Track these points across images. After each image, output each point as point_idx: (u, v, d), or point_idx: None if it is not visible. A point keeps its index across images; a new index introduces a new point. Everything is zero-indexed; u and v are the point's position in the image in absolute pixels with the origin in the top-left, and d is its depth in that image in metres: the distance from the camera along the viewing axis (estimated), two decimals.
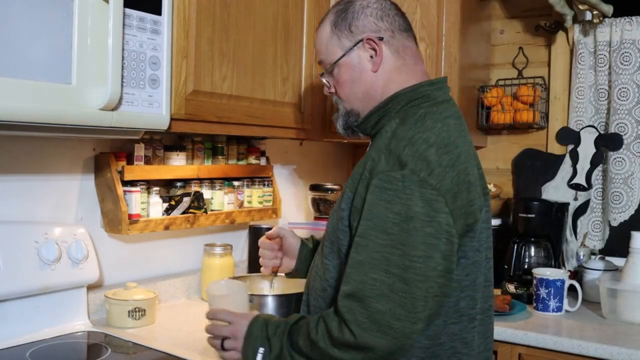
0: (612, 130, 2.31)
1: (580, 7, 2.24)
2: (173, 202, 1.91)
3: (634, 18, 2.26)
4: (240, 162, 2.21)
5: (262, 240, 1.62)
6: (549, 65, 2.48)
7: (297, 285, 1.69)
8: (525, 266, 2.22)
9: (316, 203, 2.52)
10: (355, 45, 1.34)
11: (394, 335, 1.13)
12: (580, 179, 2.39)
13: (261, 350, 1.24)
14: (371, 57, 1.34)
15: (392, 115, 1.31)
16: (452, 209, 1.17)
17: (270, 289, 1.74)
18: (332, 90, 1.41)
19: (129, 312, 1.72)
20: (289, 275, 1.66)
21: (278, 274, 1.65)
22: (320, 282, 1.34)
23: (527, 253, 2.24)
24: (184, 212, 1.94)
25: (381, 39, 1.34)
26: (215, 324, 1.34)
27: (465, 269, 1.23)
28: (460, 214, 1.18)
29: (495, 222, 2.35)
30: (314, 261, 1.42)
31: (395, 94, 1.32)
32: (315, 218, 2.53)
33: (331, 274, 1.31)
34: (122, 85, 1.36)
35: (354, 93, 1.37)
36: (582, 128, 2.39)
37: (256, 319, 1.30)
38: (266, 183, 2.27)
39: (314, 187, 2.53)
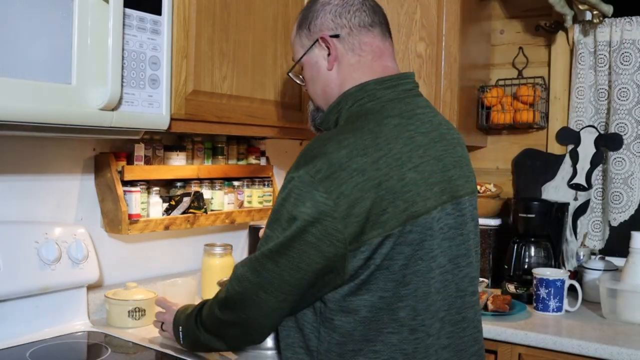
0: (612, 130, 2.31)
1: (580, 7, 2.24)
2: (173, 202, 1.91)
3: (634, 18, 2.26)
4: (240, 162, 2.21)
5: None
6: (549, 65, 2.48)
7: None
8: (525, 266, 2.22)
9: None
10: (313, 44, 1.35)
11: (259, 302, 1.21)
12: (580, 179, 2.39)
13: (181, 329, 1.42)
14: (328, 55, 1.34)
15: (343, 114, 1.31)
16: (346, 215, 1.13)
17: None
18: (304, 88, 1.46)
19: (129, 312, 1.72)
20: None
21: None
22: None
23: (527, 253, 2.24)
24: (184, 212, 1.94)
25: (337, 36, 1.33)
26: (158, 310, 1.60)
27: (394, 277, 1.18)
28: (356, 221, 1.14)
29: (495, 222, 2.35)
30: None
31: (345, 92, 1.32)
32: None
33: None
34: (122, 85, 1.36)
35: (314, 91, 1.40)
36: (582, 128, 2.39)
37: (182, 307, 1.49)
38: (266, 183, 2.27)
39: None
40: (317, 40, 1.34)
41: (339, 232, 1.14)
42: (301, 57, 1.39)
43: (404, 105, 1.28)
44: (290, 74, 1.48)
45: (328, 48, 1.33)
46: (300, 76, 1.45)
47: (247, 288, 1.22)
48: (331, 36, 1.33)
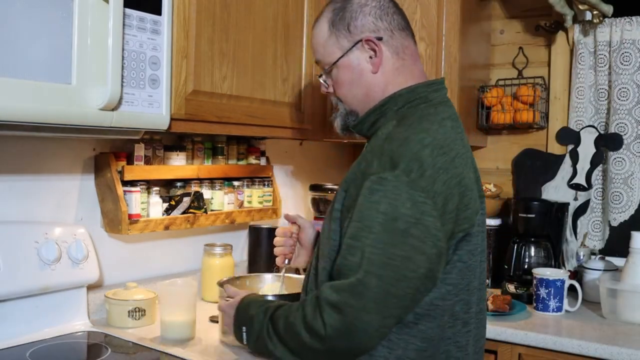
0: (612, 130, 2.31)
1: (580, 7, 2.24)
2: (173, 202, 1.91)
3: (634, 18, 2.26)
4: (240, 162, 2.21)
5: (279, 229, 1.61)
6: (549, 65, 2.48)
7: (299, 286, 1.69)
8: (525, 266, 2.22)
9: (316, 203, 2.52)
10: (354, 45, 1.31)
11: (361, 327, 1.13)
12: (580, 179, 2.39)
13: (244, 329, 1.31)
14: (370, 57, 1.31)
15: (389, 116, 1.29)
16: (442, 212, 1.15)
17: (282, 283, 1.72)
18: (331, 90, 1.39)
19: (129, 312, 1.72)
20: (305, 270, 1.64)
21: (291, 266, 1.63)
22: (312, 285, 1.33)
23: (527, 253, 2.24)
24: (184, 212, 1.94)
25: (380, 39, 1.31)
26: (225, 298, 1.48)
27: (460, 272, 1.22)
28: (450, 218, 1.17)
29: (495, 222, 2.35)
30: (311, 262, 1.40)
31: (392, 95, 1.30)
32: (315, 218, 2.53)
33: (321, 278, 1.28)
34: (122, 85, 1.36)
35: (353, 94, 1.35)
36: (582, 128, 2.39)
37: (241, 302, 1.36)
38: (266, 183, 2.27)
39: (314, 187, 2.53)
40: (360, 41, 1.31)
41: (439, 231, 1.15)
42: (339, 59, 1.33)
43: (449, 108, 1.31)
44: (320, 77, 1.40)
45: (373, 50, 1.31)
46: (326, 78, 1.39)
47: (349, 314, 1.13)
48: (378, 38, 1.31)
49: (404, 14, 1.37)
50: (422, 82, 1.33)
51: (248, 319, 1.31)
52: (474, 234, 1.23)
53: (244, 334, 1.32)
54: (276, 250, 1.59)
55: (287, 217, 1.61)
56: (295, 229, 1.59)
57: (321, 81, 1.40)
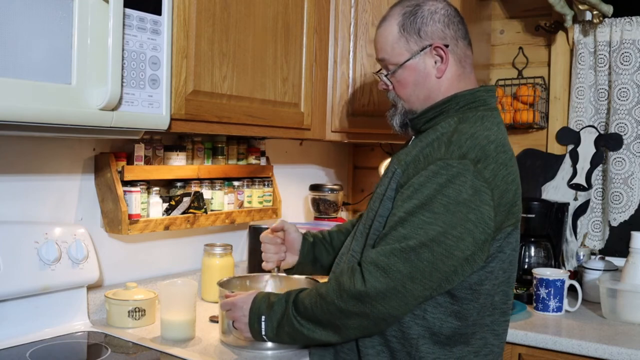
0: (612, 130, 2.31)
1: (580, 7, 2.25)
2: (173, 202, 1.91)
3: (634, 18, 2.26)
4: (240, 162, 2.21)
5: (265, 235, 1.64)
6: (549, 65, 2.48)
7: (295, 284, 1.70)
8: (525, 266, 2.22)
9: (316, 203, 2.52)
10: (422, 50, 1.39)
11: (403, 292, 1.21)
12: (580, 179, 2.39)
13: (263, 318, 1.35)
14: (436, 63, 1.39)
15: (449, 114, 1.37)
16: (497, 204, 1.24)
17: (274, 285, 1.74)
18: (391, 88, 1.46)
19: (129, 312, 1.72)
20: (290, 271, 1.66)
21: (279, 271, 1.65)
22: (347, 265, 1.38)
23: (527, 253, 2.24)
24: (184, 212, 1.94)
25: (447, 46, 1.39)
26: (226, 307, 1.47)
27: (502, 265, 1.31)
28: (503, 210, 1.26)
29: None
30: (345, 245, 1.48)
31: (454, 95, 1.39)
32: (316, 218, 2.53)
33: (355, 258, 1.36)
34: (122, 86, 1.36)
35: (415, 95, 1.42)
36: (582, 128, 2.39)
37: (258, 295, 1.40)
38: (266, 183, 2.27)
39: (314, 187, 2.53)
40: (429, 46, 1.38)
41: (491, 220, 1.23)
42: (406, 61, 1.40)
43: (499, 115, 1.42)
44: (381, 75, 1.47)
45: (440, 57, 1.39)
46: (389, 76, 1.45)
47: (395, 279, 1.21)
48: (445, 45, 1.39)
49: (465, 24, 1.46)
50: (482, 87, 1.42)
51: (268, 307, 1.35)
52: (518, 230, 1.34)
53: (263, 323, 1.35)
54: (265, 256, 1.63)
55: (274, 229, 1.65)
56: (281, 234, 1.64)
57: (383, 78, 1.47)
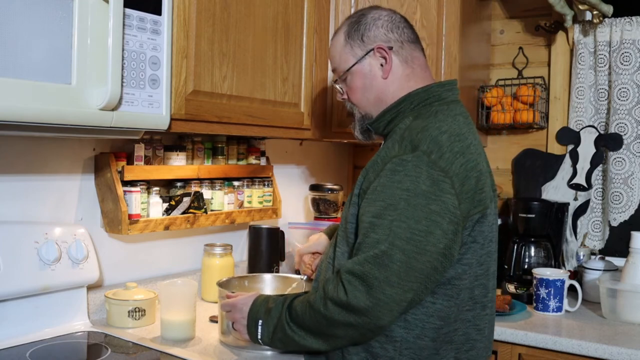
0: (612, 130, 2.31)
1: (580, 7, 2.25)
2: (173, 202, 1.91)
3: (634, 18, 2.26)
4: (240, 162, 2.21)
5: (306, 256, 1.67)
6: (549, 65, 2.49)
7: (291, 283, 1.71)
8: (525, 266, 2.22)
9: (316, 203, 2.52)
10: (366, 53, 1.44)
11: (384, 300, 1.21)
12: (580, 179, 2.39)
13: (260, 322, 1.36)
14: (381, 65, 1.43)
15: (405, 114, 1.39)
16: (459, 192, 1.24)
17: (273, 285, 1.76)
18: (345, 96, 1.51)
19: (129, 312, 1.72)
20: None
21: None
22: (330, 269, 1.39)
23: (527, 253, 2.24)
24: (184, 212, 1.94)
25: (391, 48, 1.42)
26: (227, 308, 1.48)
27: (479, 257, 1.31)
28: (466, 198, 1.26)
29: None
30: (327, 251, 1.48)
31: (407, 94, 1.41)
32: (316, 218, 2.53)
33: (339, 261, 1.37)
34: (122, 85, 1.36)
35: (366, 98, 1.46)
36: (582, 128, 2.39)
37: (258, 298, 1.41)
38: (266, 183, 2.27)
39: (314, 187, 2.53)
40: (372, 50, 1.42)
41: (456, 208, 1.24)
42: (352, 66, 1.45)
43: (460, 107, 1.43)
44: (336, 84, 1.52)
45: (384, 58, 1.42)
46: (340, 83, 1.50)
47: (374, 286, 1.20)
48: (388, 48, 1.42)
49: (414, 30, 1.49)
50: (436, 83, 1.44)
51: (265, 312, 1.36)
52: (488, 216, 1.32)
53: (260, 327, 1.36)
54: (304, 269, 1.66)
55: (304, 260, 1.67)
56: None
57: (337, 87, 1.52)
